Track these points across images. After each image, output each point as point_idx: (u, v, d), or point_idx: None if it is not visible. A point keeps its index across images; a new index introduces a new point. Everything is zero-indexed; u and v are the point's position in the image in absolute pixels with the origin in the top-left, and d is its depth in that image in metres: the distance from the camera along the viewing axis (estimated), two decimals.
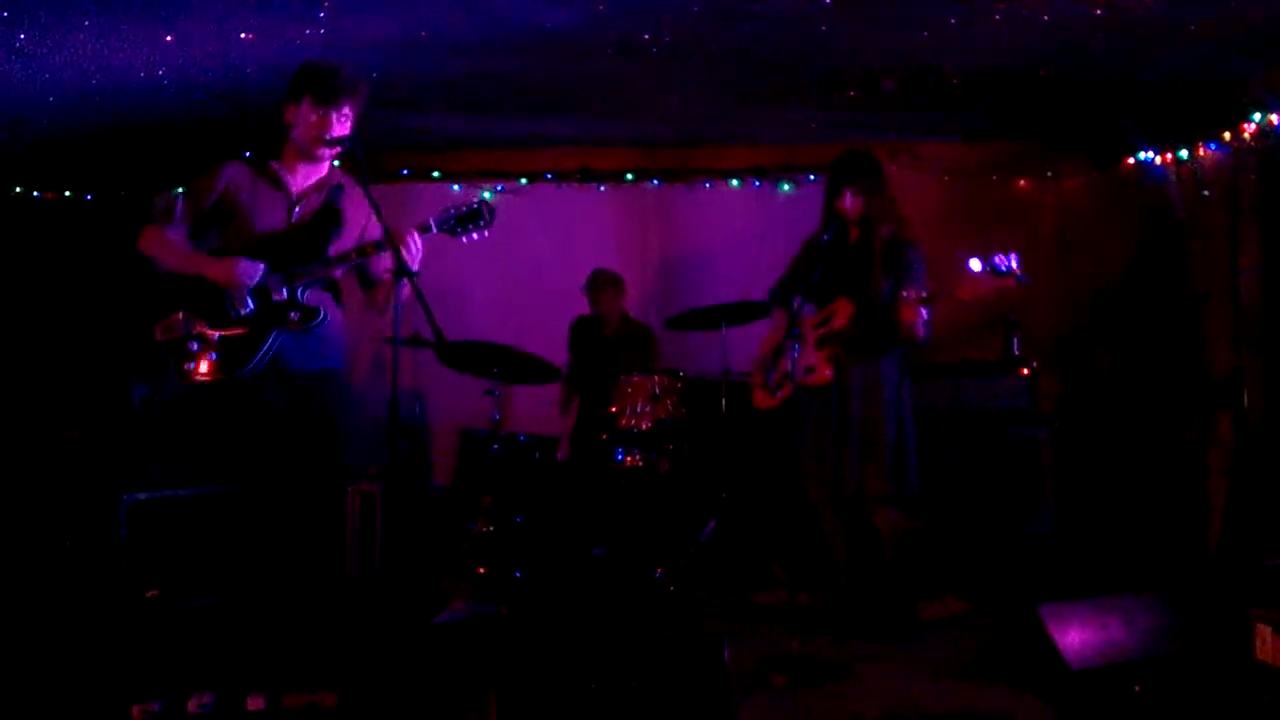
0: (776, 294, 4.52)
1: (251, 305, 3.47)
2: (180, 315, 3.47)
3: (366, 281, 3.75)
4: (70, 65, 4.47)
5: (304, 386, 3.56)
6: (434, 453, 6.37)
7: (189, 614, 4.43)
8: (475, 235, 3.63)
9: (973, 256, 3.77)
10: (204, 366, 3.45)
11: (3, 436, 5.70)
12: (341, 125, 3.52)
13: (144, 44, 4.28)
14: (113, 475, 4.91)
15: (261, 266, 3.47)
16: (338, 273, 3.61)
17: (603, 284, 5.95)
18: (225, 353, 3.45)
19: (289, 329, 3.50)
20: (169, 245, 3.55)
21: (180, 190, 3.57)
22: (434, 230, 3.55)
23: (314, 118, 3.50)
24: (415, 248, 3.45)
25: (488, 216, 3.62)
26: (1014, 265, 3.72)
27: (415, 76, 4.85)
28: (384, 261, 3.59)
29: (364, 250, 3.50)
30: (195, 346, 3.46)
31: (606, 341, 5.95)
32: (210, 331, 3.47)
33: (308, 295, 3.53)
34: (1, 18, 3.97)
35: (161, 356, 3.48)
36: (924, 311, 3.87)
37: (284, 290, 3.49)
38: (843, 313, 4.15)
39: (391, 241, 3.33)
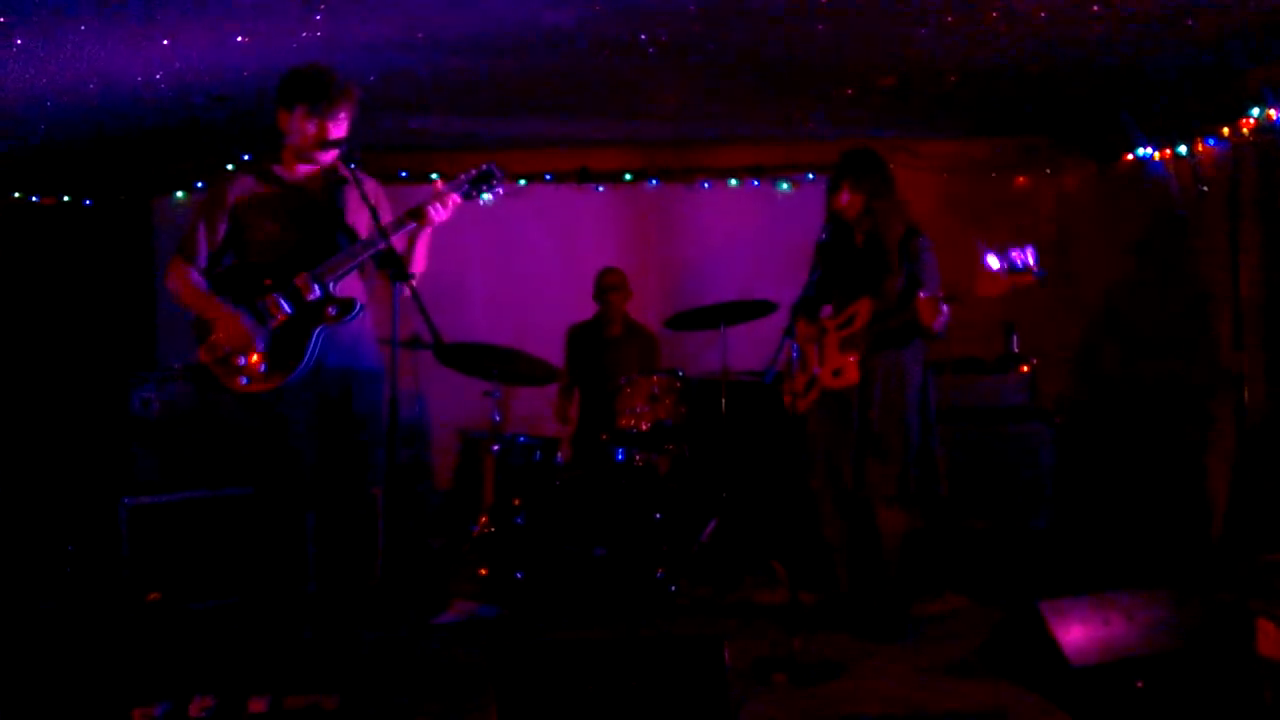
0: (803, 306, 4.26)
1: (288, 308, 3.45)
2: (222, 335, 3.44)
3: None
4: (67, 69, 4.46)
5: (342, 385, 3.54)
6: (434, 454, 6.37)
7: (190, 617, 4.44)
8: (489, 195, 3.65)
9: (989, 253, 3.77)
10: (254, 377, 3.42)
11: (4, 441, 5.71)
12: (337, 129, 3.51)
13: (140, 48, 4.27)
14: (113, 479, 4.92)
15: (258, 333, 3.44)
16: (360, 261, 3.54)
17: (614, 283, 5.92)
18: (273, 360, 3.43)
19: (329, 324, 3.48)
20: (188, 286, 3.53)
21: (192, 210, 3.55)
22: (448, 191, 3.57)
23: (309, 125, 3.48)
24: (447, 207, 3.54)
25: (498, 174, 3.64)
26: (1031, 261, 3.70)
27: (412, 77, 4.85)
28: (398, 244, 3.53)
29: (384, 233, 3.42)
30: (242, 361, 3.43)
31: (609, 344, 5.93)
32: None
33: (339, 289, 3.51)
34: None
35: (207, 375, 3.46)
36: (945, 310, 3.85)
37: (316, 288, 3.46)
38: (864, 313, 4.09)
39: (388, 241, 3.33)
